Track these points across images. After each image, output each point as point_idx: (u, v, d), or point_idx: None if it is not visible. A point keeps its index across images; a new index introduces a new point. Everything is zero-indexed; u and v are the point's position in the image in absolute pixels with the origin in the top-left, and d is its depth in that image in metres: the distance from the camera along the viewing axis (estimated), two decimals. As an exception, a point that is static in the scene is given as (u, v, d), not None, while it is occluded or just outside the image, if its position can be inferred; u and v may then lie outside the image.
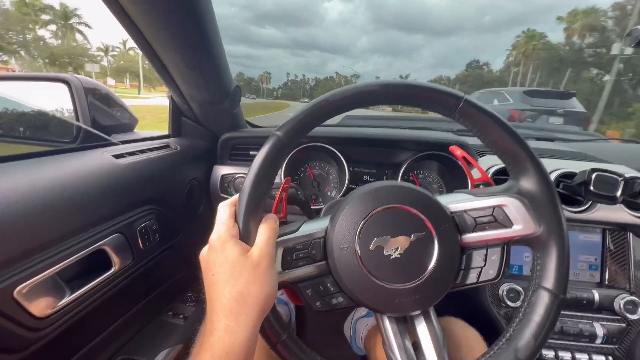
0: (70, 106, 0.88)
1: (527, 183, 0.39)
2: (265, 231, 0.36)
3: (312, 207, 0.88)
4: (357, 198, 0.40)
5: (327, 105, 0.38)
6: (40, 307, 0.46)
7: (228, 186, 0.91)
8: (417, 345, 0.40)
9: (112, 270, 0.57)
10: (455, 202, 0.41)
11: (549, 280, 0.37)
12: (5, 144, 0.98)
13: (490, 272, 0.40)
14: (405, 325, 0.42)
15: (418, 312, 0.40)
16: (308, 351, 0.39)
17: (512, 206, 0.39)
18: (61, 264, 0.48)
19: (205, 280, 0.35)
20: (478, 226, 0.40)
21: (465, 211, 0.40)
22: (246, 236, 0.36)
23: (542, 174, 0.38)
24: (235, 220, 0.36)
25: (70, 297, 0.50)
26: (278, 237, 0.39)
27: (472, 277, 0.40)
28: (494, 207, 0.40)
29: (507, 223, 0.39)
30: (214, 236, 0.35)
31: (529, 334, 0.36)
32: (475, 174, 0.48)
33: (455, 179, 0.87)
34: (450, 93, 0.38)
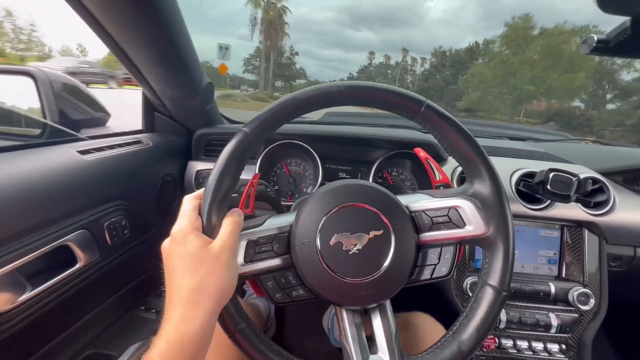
0: (36, 100, 0.86)
1: (480, 186, 0.41)
2: (228, 224, 0.37)
3: (288, 202, 0.89)
4: (321, 195, 0.42)
5: (294, 103, 0.39)
6: (-1, 302, 0.46)
7: (203, 182, 0.91)
8: (371, 338, 0.42)
9: (77, 265, 0.58)
10: (415, 202, 0.43)
11: (494, 278, 0.39)
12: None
13: (442, 270, 0.42)
14: (362, 319, 0.43)
15: (374, 305, 0.42)
16: (265, 341, 0.39)
17: (465, 207, 0.41)
18: (21, 259, 0.48)
19: (165, 270, 0.35)
20: (434, 226, 0.42)
21: (423, 211, 0.42)
22: (209, 229, 0.36)
23: (494, 178, 0.40)
24: (200, 214, 0.37)
25: (31, 293, 0.50)
26: (242, 231, 0.39)
27: (426, 274, 0.42)
28: (449, 207, 0.42)
29: (460, 223, 0.41)
30: (175, 228, 0.36)
31: (472, 327, 0.39)
32: (438, 174, 0.50)
33: (427, 177, 0.89)
34: (412, 98, 0.39)
